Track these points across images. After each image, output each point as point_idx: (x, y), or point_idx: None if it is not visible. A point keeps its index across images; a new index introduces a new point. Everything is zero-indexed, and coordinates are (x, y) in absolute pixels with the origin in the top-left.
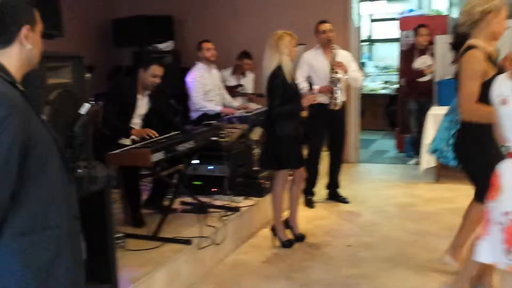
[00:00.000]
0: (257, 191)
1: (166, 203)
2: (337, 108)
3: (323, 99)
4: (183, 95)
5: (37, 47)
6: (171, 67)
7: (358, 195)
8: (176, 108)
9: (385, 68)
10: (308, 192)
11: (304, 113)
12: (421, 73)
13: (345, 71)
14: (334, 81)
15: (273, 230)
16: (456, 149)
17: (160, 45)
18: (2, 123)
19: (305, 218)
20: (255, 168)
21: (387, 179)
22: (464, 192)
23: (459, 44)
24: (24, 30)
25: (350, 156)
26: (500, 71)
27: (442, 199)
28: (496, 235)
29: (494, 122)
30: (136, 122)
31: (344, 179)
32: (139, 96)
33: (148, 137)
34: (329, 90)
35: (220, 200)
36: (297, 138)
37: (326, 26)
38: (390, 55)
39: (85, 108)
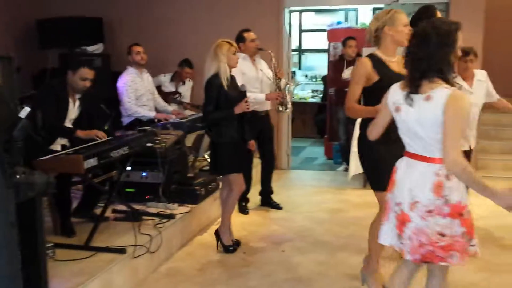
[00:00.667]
0: (192, 198)
1: (97, 211)
2: (287, 111)
3: (257, 106)
4: (113, 99)
5: None
6: (101, 71)
7: (290, 201)
8: (106, 112)
9: (314, 77)
10: (242, 198)
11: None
12: (349, 83)
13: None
14: (280, 87)
15: (217, 234)
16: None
17: (89, 48)
18: None
19: (239, 224)
20: (190, 175)
21: (317, 185)
22: None
23: None
24: None
25: (282, 163)
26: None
27: (369, 204)
28: (392, 221)
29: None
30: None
31: (276, 185)
32: (70, 99)
33: (97, 139)
34: (278, 97)
35: (155, 208)
36: (235, 144)
37: (253, 35)
38: (319, 64)
39: (25, 111)
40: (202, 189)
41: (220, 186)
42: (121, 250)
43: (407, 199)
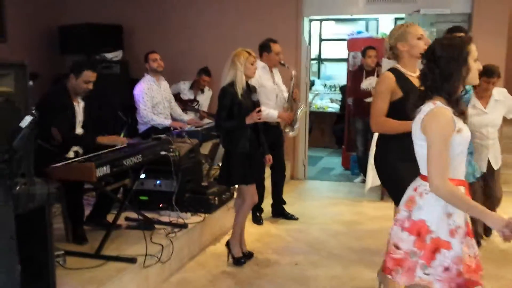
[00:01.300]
0: (205, 207)
1: (110, 218)
2: (293, 133)
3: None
4: (131, 106)
5: None
6: (120, 77)
7: (305, 212)
8: (123, 119)
9: (333, 86)
10: (256, 208)
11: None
12: (368, 94)
13: (297, 94)
14: (293, 108)
15: (228, 245)
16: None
17: (108, 55)
18: None
19: (253, 235)
20: (204, 184)
21: (333, 197)
22: None
23: None
24: None
25: (298, 173)
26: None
27: (386, 217)
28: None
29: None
30: (78, 132)
31: (292, 195)
32: (75, 103)
33: (121, 145)
34: (290, 119)
35: (167, 216)
36: (246, 155)
37: (279, 47)
38: (338, 74)
39: (26, 121)
40: (216, 198)
41: (235, 196)
42: (132, 260)
43: None
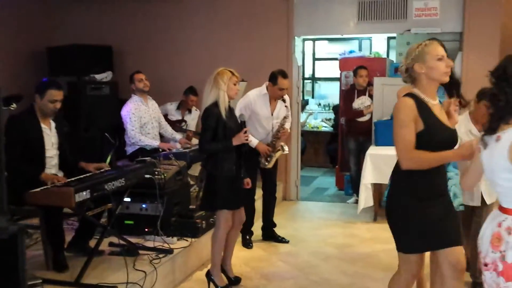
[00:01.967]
0: (192, 231)
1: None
2: (268, 167)
3: (264, 138)
4: (119, 128)
5: None
6: (109, 99)
7: (297, 234)
8: (111, 141)
9: (327, 106)
10: (246, 231)
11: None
12: (360, 113)
13: (287, 134)
14: (274, 146)
15: (209, 275)
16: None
17: (98, 76)
18: None
19: (242, 259)
20: (192, 207)
21: (326, 218)
22: None
23: None
24: None
25: (290, 194)
26: None
27: (379, 239)
28: None
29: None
30: (52, 154)
31: (284, 217)
32: (43, 125)
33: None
34: (267, 152)
35: (153, 241)
36: (232, 179)
37: (287, 84)
38: (332, 93)
39: None
40: (203, 221)
41: None
42: None
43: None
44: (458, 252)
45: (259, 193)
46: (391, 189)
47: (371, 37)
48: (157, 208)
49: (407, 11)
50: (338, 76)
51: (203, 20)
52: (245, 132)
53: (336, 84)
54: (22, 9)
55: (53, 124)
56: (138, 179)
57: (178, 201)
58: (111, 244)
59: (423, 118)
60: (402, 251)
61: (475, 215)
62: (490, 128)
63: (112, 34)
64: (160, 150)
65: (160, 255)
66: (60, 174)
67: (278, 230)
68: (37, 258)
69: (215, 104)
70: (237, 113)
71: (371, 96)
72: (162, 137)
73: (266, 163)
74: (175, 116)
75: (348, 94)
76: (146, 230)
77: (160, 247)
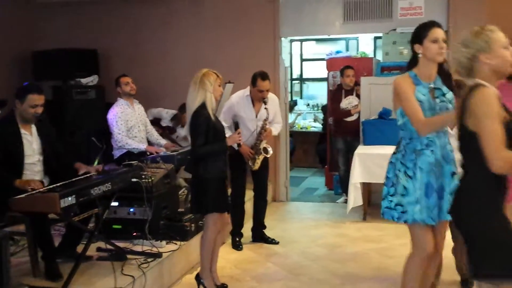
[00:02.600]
0: (181, 234)
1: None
2: (254, 169)
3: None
4: (106, 132)
5: None
6: (95, 102)
7: (286, 235)
8: (97, 145)
9: (315, 106)
10: (236, 233)
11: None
12: (348, 113)
13: (270, 135)
14: (257, 147)
15: (198, 278)
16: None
17: (83, 80)
18: None
19: (232, 261)
20: (180, 210)
21: (315, 218)
22: (391, 231)
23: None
24: None
25: (280, 195)
26: None
27: (369, 238)
28: None
29: None
30: (34, 160)
31: (273, 218)
32: (24, 132)
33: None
34: (249, 154)
35: (141, 245)
36: (223, 180)
37: (266, 85)
38: (320, 93)
39: None
40: (192, 224)
41: None
42: None
43: None
44: None
45: (249, 195)
46: (468, 206)
47: (358, 37)
48: (145, 212)
49: (392, 11)
50: (326, 76)
51: (189, 22)
52: (239, 133)
53: (324, 84)
54: (6, 13)
55: (34, 129)
56: (124, 183)
57: (166, 205)
58: (99, 249)
59: (503, 106)
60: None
61: None
62: None
63: (97, 38)
64: (148, 153)
65: (149, 259)
66: (46, 180)
67: (268, 231)
68: (24, 265)
69: (203, 106)
70: (220, 117)
71: (358, 95)
72: (147, 142)
73: (252, 165)
74: (167, 123)
75: (335, 94)
76: (134, 234)
77: (149, 251)
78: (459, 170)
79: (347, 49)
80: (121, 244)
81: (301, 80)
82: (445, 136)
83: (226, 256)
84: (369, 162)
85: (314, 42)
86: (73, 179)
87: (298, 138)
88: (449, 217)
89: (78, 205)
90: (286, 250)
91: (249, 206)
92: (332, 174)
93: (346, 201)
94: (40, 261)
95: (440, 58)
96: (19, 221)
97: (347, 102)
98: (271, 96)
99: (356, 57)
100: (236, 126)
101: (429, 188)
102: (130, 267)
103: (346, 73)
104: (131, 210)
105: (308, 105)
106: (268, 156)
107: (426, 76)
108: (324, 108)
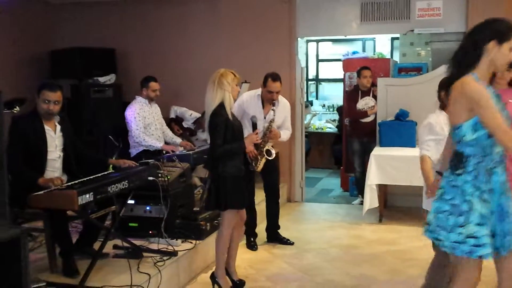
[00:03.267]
0: (197, 233)
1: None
2: (257, 170)
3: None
4: (122, 130)
5: None
6: (113, 101)
7: (302, 236)
8: (114, 144)
9: (331, 107)
10: (250, 233)
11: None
12: (364, 114)
13: (277, 137)
14: (261, 149)
15: (213, 277)
16: None
17: (101, 78)
18: None
19: (247, 261)
20: (196, 209)
21: (331, 219)
22: (407, 233)
23: None
24: None
25: (295, 195)
26: None
27: (384, 240)
28: None
29: None
30: (55, 157)
31: (288, 219)
32: (48, 128)
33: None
34: (253, 155)
35: (157, 244)
36: (241, 178)
37: (276, 87)
38: (336, 94)
39: None
40: (208, 224)
41: None
42: None
43: None
44: None
45: (261, 195)
46: None
47: (374, 38)
48: (161, 210)
49: (410, 12)
50: (342, 77)
51: (206, 22)
52: (256, 133)
53: (340, 85)
54: (24, 12)
55: (58, 127)
56: (141, 182)
57: (182, 203)
58: (115, 246)
59: None
60: None
61: None
62: None
63: (115, 37)
64: (164, 152)
65: (164, 258)
66: (64, 177)
67: (283, 232)
68: (42, 261)
69: (222, 106)
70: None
71: (375, 96)
72: (164, 141)
73: (254, 166)
74: (189, 125)
75: (351, 95)
76: (150, 232)
77: (164, 249)
78: None
79: (364, 50)
80: (137, 242)
81: (317, 80)
82: None
83: (241, 256)
84: (385, 164)
85: (330, 42)
86: (91, 177)
87: (313, 138)
88: None
89: (95, 202)
90: (301, 251)
91: (263, 207)
92: (347, 175)
93: (361, 203)
94: (58, 258)
95: (502, 69)
96: (37, 217)
97: (363, 103)
98: (283, 101)
99: (373, 58)
100: (254, 126)
101: (502, 212)
102: (146, 265)
103: (363, 74)
104: (147, 208)
105: (324, 105)
106: (270, 158)
107: (485, 81)
108: (339, 109)
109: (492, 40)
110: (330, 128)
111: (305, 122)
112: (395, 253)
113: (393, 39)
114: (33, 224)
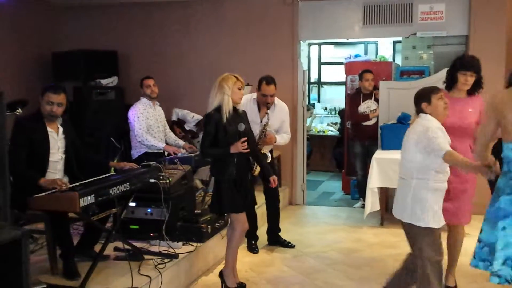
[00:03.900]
0: (198, 236)
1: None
2: (255, 174)
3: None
4: (124, 132)
5: None
6: (115, 103)
7: (302, 239)
8: (116, 146)
9: (333, 110)
10: (251, 236)
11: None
12: (366, 117)
13: (272, 141)
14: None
15: (222, 276)
16: None
17: (103, 81)
18: None
19: (247, 264)
20: (197, 211)
21: (332, 223)
22: None
23: None
24: None
25: (296, 198)
26: None
27: (386, 244)
28: None
29: None
30: (57, 158)
31: (289, 222)
32: (50, 129)
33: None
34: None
35: (158, 246)
36: (234, 182)
37: (270, 90)
38: (338, 97)
39: None
40: (209, 226)
41: (229, 224)
42: None
43: None
44: None
45: (262, 198)
46: None
47: (377, 41)
48: (162, 213)
49: (412, 15)
50: (344, 80)
51: (208, 25)
52: (244, 141)
53: (342, 88)
54: (27, 15)
55: (61, 129)
56: (142, 184)
57: (183, 206)
58: (116, 249)
59: None
60: None
61: None
62: None
63: (117, 39)
64: (166, 153)
65: (165, 260)
66: (65, 178)
67: (284, 235)
68: (42, 263)
69: (218, 109)
70: None
71: (377, 100)
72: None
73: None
74: (191, 127)
75: (353, 98)
76: (151, 235)
77: (165, 252)
78: None
79: (366, 53)
80: (138, 244)
81: (319, 83)
82: None
83: (242, 259)
84: (387, 167)
85: (332, 45)
86: (92, 179)
87: (315, 141)
88: None
89: (96, 204)
90: (302, 254)
91: (263, 210)
92: (349, 178)
93: (363, 206)
94: (59, 260)
95: None
96: (38, 219)
97: (365, 106)
98: (280, 104)
99: (375, 61)
100: (240, 135)
101: None
102: (146, 267)
103: (365, 77)
104: (149, 210)
105: (326, 108)
106: (268, 156)
107: None
108: (341, 112)
109: None
110: (331, 131)
111: (307, 125)
112: (397, 256)
113: (395, 42)
114: (34, 226)
